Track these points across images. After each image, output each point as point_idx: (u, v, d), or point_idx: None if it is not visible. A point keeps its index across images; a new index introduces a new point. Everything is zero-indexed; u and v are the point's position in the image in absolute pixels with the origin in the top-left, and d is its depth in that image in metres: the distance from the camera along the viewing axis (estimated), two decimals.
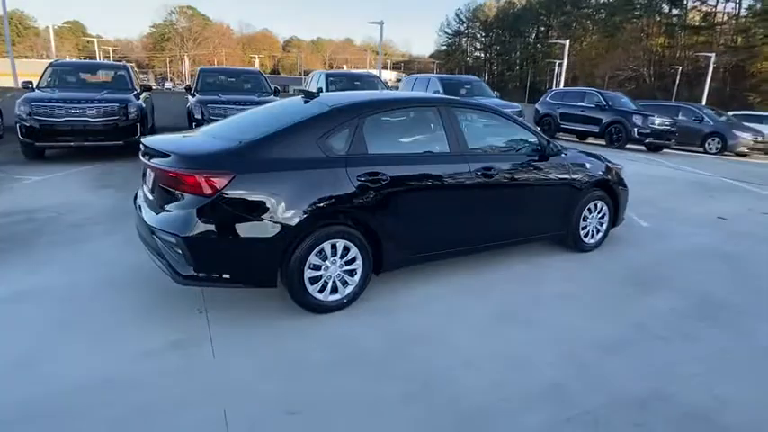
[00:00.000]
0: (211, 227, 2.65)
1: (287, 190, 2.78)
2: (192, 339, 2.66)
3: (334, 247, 2.96)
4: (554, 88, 17.65)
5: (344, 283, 3.07)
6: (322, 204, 2.86)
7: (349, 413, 2.14)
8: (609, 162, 4.53)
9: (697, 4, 52.68)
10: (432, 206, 3.33)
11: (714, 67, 36.68)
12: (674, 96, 42.91)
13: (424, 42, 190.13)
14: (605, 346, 2.79)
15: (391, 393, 2.28)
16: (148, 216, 2.91)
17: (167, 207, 2.77)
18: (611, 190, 4.38)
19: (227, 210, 2.66)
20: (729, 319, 3.23)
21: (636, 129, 12.76)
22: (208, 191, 2.62)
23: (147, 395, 2.18)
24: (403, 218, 3.17)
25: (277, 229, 2.75)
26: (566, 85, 42.92)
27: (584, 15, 65.86)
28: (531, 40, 77.62)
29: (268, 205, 2.73)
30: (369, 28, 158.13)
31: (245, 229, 2.73)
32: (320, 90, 5.92)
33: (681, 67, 46.25)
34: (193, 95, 8.86)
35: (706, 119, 14.83)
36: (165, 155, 2.83)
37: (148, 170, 3.09)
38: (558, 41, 37.18)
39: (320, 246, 2.90)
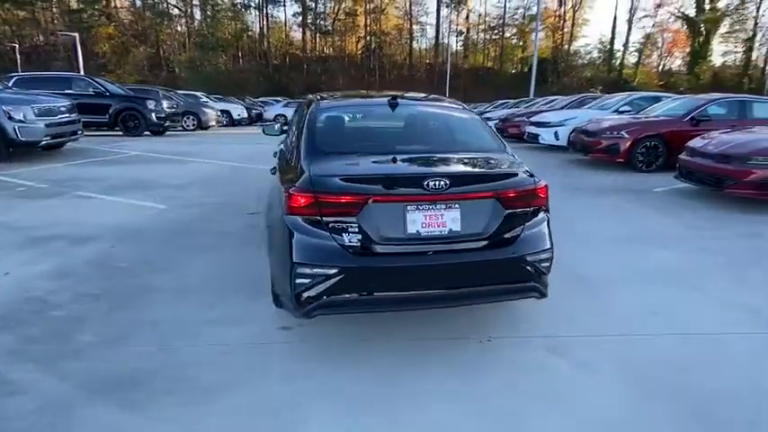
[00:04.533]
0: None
1: None
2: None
3: None
4: (17, 73, 14.25)
5: None
6: None
7: None
8: None
9: None
10: None
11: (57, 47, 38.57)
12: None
13: None
14: None
15: None
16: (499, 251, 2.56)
17: (517, 230, 2.61)
18: None
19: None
20: None
21: (154, 114, 13.58)
22: (547, 200, 2.79)
23: None
24: None
25: None
26: None
27: None
28: None
29: None
30: None
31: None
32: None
33: (17, 45, 44.56)
34: None
35: (176, 99, 17.36)
36: (508, 175, 2.64)
37: (412, 205, 2.48)
38: None
39: None
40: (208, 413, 2.24)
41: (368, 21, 53.96)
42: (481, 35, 56.29)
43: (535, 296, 2.71)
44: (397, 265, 2.43)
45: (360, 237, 2.41)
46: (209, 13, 51.75)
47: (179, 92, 20.86)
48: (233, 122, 22.41)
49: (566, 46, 51.92)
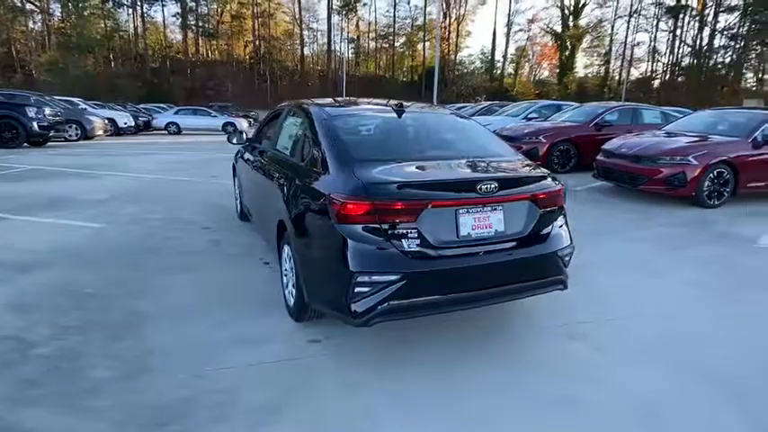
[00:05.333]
0: None
1: None
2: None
3: None
4: None
5: None
6: None
7: None
8: None
9: None
10: None
11: None
12: None
13: None
14: None
15: None
16: (536, 248, 2.81)
17: (548, 228, 2.91)
18: None
19: None
20: None
21: (35, 122, 12.06)
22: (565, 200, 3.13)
23: None
24: None
25: None
26: None
27: None
28: None
29: None
30: None
31: None
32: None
33: None
34: None
35: (56, 106, 15.52)
36: (539, 178, 2.93)
37: (463, 208, 2.64)
38: None
39: None
40: None
41: (256, 25, 52.67)
42: (372, 43, 57.78)
43: (560, 288, 2.98)
44: (453, 267, 2.56)
45: (418, 242, 2.50)
46: (71, 9, 46.70)
47: (55, 98, 18.61)
48: (118, 131, 20.55)
49: (452, 56, 55.21)
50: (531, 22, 55.68)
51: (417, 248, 2.50)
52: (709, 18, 47.20)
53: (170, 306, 3.37)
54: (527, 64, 59.08)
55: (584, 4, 52.73)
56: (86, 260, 4.20)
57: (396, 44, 56.68)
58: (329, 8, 53.10)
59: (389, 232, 2.47)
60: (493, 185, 2.62)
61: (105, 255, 4.37)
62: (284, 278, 3.31)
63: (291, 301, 3.13)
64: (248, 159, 4.60)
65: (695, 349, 2.95)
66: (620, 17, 51.83)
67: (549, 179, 2.98)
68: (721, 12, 46.30)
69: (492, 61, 55.54)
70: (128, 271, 3.99)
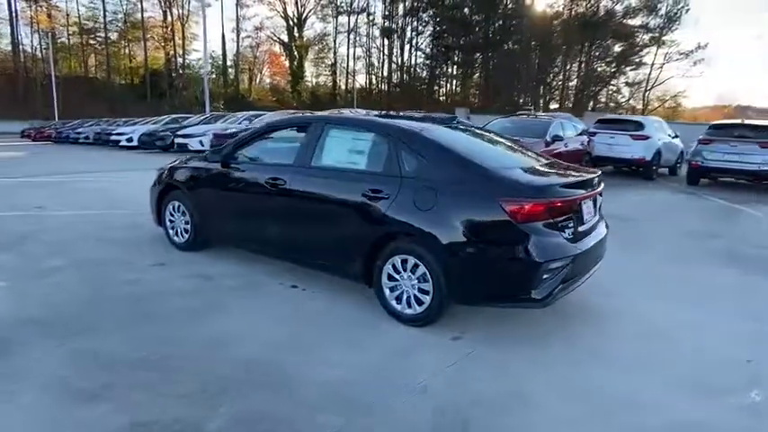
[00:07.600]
0: None
1: None
2: None
3: None
4: None
5: None
6: None
7: None
8: None
9: None
10: None
11: None
12: None
13: None
14: None
15: None
16: (604, 229, 3.70)
17: (602, 213, 3.84)
18: None
19: None
20: None
21: None
22: None
23: None
24: None
25: None
26: None
27: None
28: None
29: None
30: None
31: None
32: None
33: None
34: None
35: None
36: (595, 182, 3.64)
37: (584, 202, 3.34)
38: None
39: None
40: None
41: None
42: (75, 39, 49.54)
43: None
44: (588, 248, 3.26)
45: (573, 230, 3.13)
46: None
47: None
48: None
49: (179, 59, 52.04)
50: (258, 29, 56.95)
51: (572, 236, 3.13)
52: (411, 40, 57.22)
53: (272, 348, 3.04)
54: (257, 71, 60.26)
55: (306, 17, 56.92)
56: (62, 326, 3.20)
57: (108, 41, 50.07)
58: None
59: (559, 225, 3.03)
60: (597, 181, 3.45)
61: (77, 314, 3.38)
62: (387, 291, 3.39)
63: (415, 309, 3.28)
64: (241, 181, 4.16)
65: (662, 283, 4.40)
66: (341, 32, 57.89)
67: None
68: (419, 35, 56.71)
69: (224, 67, 54.65)
70: (144, 326, 3.26)
